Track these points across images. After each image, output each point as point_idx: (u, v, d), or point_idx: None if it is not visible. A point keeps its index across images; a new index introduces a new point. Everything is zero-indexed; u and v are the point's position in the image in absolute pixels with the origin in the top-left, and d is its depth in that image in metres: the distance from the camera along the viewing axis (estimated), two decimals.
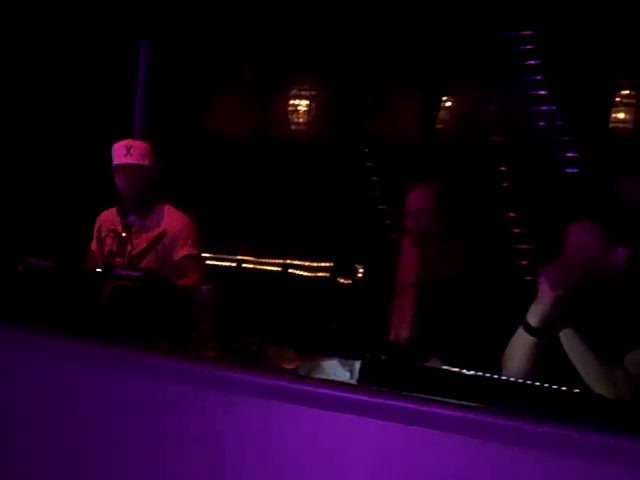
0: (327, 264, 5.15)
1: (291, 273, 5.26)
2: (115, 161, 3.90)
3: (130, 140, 4.00)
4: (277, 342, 3.03)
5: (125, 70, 5.78)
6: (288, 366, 2.65)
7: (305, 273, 5.21)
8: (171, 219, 3.90)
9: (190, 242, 3.86)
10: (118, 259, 3.86)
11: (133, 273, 3.17)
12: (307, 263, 5.22)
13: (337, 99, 5.80)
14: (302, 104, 5.93)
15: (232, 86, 5.94)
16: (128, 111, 5.86)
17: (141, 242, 3.87)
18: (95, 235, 4.03)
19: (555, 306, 2.65)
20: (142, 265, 3.80)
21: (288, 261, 5.32)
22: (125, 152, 3.87)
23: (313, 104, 5.89)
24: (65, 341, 2.71)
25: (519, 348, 2.68)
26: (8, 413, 2.70)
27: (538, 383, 2.21)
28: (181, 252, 3.84)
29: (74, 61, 5.57)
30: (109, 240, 3.94)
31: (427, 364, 2.80)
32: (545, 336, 2.65)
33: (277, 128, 5.93)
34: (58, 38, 5.50)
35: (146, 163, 3.88)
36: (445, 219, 3.39)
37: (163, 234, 3.86)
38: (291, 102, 5.98)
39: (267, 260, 5.37)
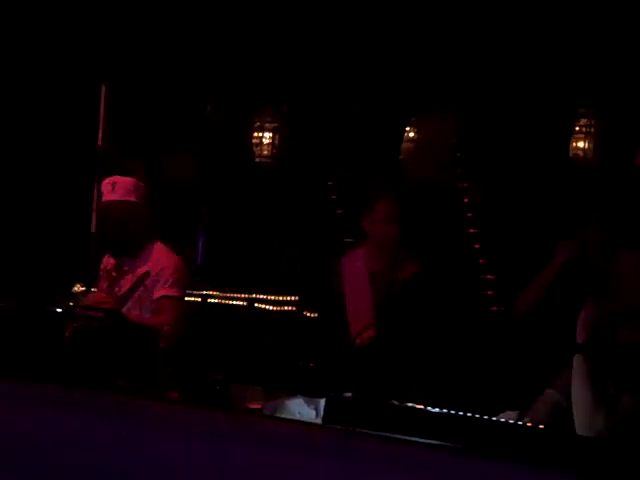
0: (293, 298, 5.12)
1: (257, 307, 5.22)
2: (102, 198, 3.85)
3: (116, 176, 3.89)
4: (242, 380, 2.99)
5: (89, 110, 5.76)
6: (253, 405, 2.61)
7: (271, 307, 5.17)
8: (157, 258, 3.79)
9: (170, 282, 3.73)
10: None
11: (94, 313, 3.11)
12: (273, 297, 5.18)
13: (301, 131, 5.81)
14: (266, 136, 5.93)
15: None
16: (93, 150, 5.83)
17: (126, 283, 3.80)
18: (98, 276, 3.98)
19: (587, 326, 2.64)
20: (125, 307, 3.71)
21: (254, 295, 5.28)
22: (110, 189, 3.81)
23: (277, 137, 5.89)
24: (24, 384, 2.65)
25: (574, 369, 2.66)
26: None
27: (506, 421, 2.19)
28: (158, 293, 3.73)
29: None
30: (102, 281, 3.89)
31: (393, 402, 2.78)
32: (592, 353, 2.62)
33: (241, 162, 5.92)
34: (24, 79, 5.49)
35: (131, 199, 3.79)
36: (402, 228, 3.84)
37: (146, 275, 3.76)
38: (255, 135, 5.98)
39: (232, 295, 5.33)
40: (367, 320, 3.66)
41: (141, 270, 3.77)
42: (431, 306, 3.70)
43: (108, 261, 3.95)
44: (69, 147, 5.63)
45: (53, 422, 2.46)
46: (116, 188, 3.79)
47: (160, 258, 3.80)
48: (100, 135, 5.77)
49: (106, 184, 3.85)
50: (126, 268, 3.82)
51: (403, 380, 3.35)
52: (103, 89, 5.79)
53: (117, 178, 3.86)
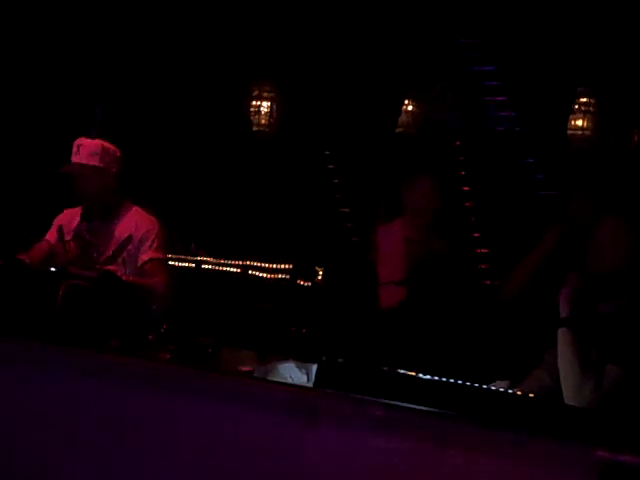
0: (287, 266, 5.12)
1: (251, 274, 5.22)
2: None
3: (82, 138, 3.79)
4: (234, 344, 3.00)
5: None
6: (244, 368, 2.61)
7: (265, 275, 5.18)
8: (137, 223, 3.74)
9: (155, 245, 3.71)
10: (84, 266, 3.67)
11: (87, 273, 3.10)
12: (267, 265, 5.19)
13: (299, 101, 5.79)
14: (264, 105, 5.90)
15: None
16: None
17: (107, 249, 3.74)
18: (54, 231, 3.86)
19: (569, 301, 2.67)
20: None
21: (248, 262, 5.29)
22: (75, 150, 3.72)
23: (274, 106, 5.87)
24: (17, 343, 2.65)
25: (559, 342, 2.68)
26: None
27: (495, 388, 2.21)
28: (145, 256, 3.69)
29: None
30: (73, 245, 3.78)
31: (385, 368, 2.79)
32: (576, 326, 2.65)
33: (238, 130, 5.90)
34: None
35: (94, 163, 3.69)
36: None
37: (129, 239, 3.71)
38: (253, 103, 5.95)
39: (227, 261, 5.33)
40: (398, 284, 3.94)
41: (122, 235, 3.72)
42: (455, 278, 3.98)
43: (68, 219, 3.85)
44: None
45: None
46: (80, 150, 3.70)
47: (141, 222, 3.75)
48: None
49: (73, 145, 3.75)
50: (101, 233, 3.74)
51: (421, 345, 3.51)
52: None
53: (83, 140, 3.76)
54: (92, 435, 2.46)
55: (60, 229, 3.84)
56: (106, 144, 3.79)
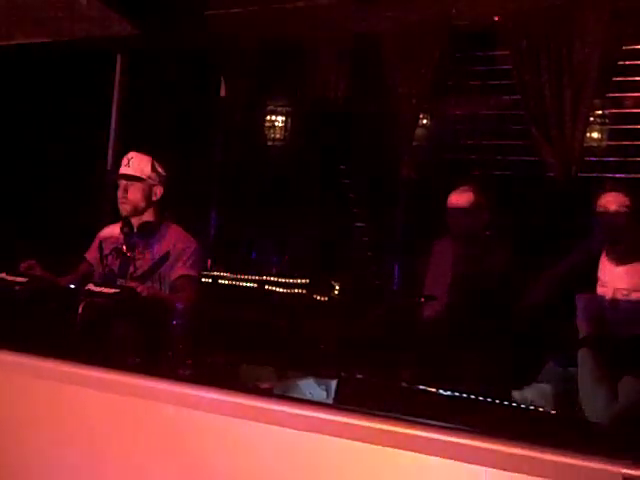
0: (303, 281, 5.13)
1: (267, 290, 5.23)
2: (119, 170, 3.87)
3: (134, 152, 3.90)
4: (253, 361, 3.00)
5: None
6: (264, 385, 2.61)
7: (281, 290, 5.18)
8: (176, 241, 3.79)
9: (189, 263, 3.75)
10: (120, 280, 3.75)
11: (107, 290, 3.11)
12: (283, 280, 5.19)
13: (314, 115, 5.80)
14: (279, 120, 5.93)
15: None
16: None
17: (144, 264, 3.78)
18: (95, 248, 3.94)
19: (586, 321, 2.67)
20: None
21: (264, 277, 5.30)
22: (126, 163, 3.84)
23: (289, 120, 5.89)
24: (37, 359, 2.67)
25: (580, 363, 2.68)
26: None
27: (517, 404, 2.20)
28: (177, 272, 3.73)
29: None
30: (111, 259, 3.84)
31: (403, 384, 2.79)
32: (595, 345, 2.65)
33: (255, 143, 5.92)
34: None
35: (143, 176, 3.80)
36: (481, 219, 4.11)
37: (166, 256, 3.76)
38: (268, 118, 5.98)
39: (243, 276, 5.34)
40: (441, 298, 3.97)
41: (161, 251, 3.77)
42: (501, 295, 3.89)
43: (110, 234, 3.93)
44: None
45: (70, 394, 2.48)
46: (131, 163, 3.81)
47: (179, 240, 3.80)
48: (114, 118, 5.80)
49: (124, 158, 3.87)
50: (140, 249, 3.81)
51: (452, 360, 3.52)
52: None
53: (134, 154, 3.87)
54: (109, 453, 2.47)
55: (100, 245, 3.93)
56: (155, 161, 3.89)
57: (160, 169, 3.88)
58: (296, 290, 5.16)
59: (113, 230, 3.95)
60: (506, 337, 3.60)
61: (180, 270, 3.72)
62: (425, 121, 5.68)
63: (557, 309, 3.34)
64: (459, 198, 4.15)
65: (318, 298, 4.91)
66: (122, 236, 3.86)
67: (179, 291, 3.67)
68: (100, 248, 3.93)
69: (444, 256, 4.19)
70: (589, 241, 3.76)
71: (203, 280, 5.11)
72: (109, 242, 3.91)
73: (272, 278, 5.23)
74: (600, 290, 2.74)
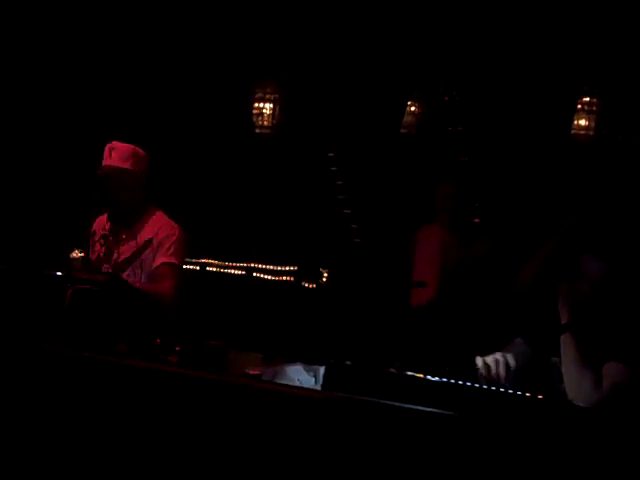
0: (291, 268, 5.13)
1: (255, 277, 5.23)
2: (102, 162, 3.83)
3: (115, 142, 3.84)
4: (241, 347, 3.00)
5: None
6: (252, 371, 2.62)
7: (269, 277, 5.19)
8: (159, 227, 3.77)
9: (171, 251, 3.72)
10: (105, 265, 3.76)
11: (94, 277, 3.10)
12: (271, 267, 5.19)
13: (302, 102, 5.79)
14: (267, 107, 5.91)
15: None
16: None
17: (127, 250, 3.77)
18: (90, 239, 3.95)
19: (567, 307, 2.68)
20: (125, 273, 3.69)
21: (252, 265, 5.30)
22: (108, 154, 3.78)
23: (277, 108, 5.87)
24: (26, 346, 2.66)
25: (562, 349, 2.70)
26: None
27: (504, 390, 2.21)
28: (159, 260, 3.71)
29: None
30: (98, 246, 3.84)
31: (392, 369, 2.80)
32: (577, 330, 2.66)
33: (241, 132, 5.91)
34: None
35: (126, 166, 3.75)
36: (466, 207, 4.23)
37: (149, 243, 3.74)
38: (255, 105, 5.96)
39: (231, 264, 5.34)
40: (431, 284, 4.02)
41: (144, 238, 3.77)
42: (488, 284, 3.95)
43: (101, 223, 3.94)
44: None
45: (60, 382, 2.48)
46: (112, 154, 3.76)
47: (162, 227, 3.79)
48: None
49: (105, 149, 3.82)
50: (124, 235, 3.81)
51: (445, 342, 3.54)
52: None
53: (115, 144, 3.82)
54: (98, 438, 2.47)
55: (93, 235, 3.93)
56: (137, 148, 3.85)
57: (143, 154, 3.85)
58: (285, 277, 5.18)
59: (103, 218, 3.95)
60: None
61: (162, 258, 3.71)
62: None
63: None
64: (448, 186, 4.25)
65: (307, 285, 4.92)
66: (109, 223, 3.86)
67: (160, 279, 3.66)
68: (92, 237, 3.95)
69: (431, 243, 4.23)
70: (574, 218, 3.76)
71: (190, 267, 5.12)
72: (99, 230, 3.92)
73: (260, 265, 5.23)
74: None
